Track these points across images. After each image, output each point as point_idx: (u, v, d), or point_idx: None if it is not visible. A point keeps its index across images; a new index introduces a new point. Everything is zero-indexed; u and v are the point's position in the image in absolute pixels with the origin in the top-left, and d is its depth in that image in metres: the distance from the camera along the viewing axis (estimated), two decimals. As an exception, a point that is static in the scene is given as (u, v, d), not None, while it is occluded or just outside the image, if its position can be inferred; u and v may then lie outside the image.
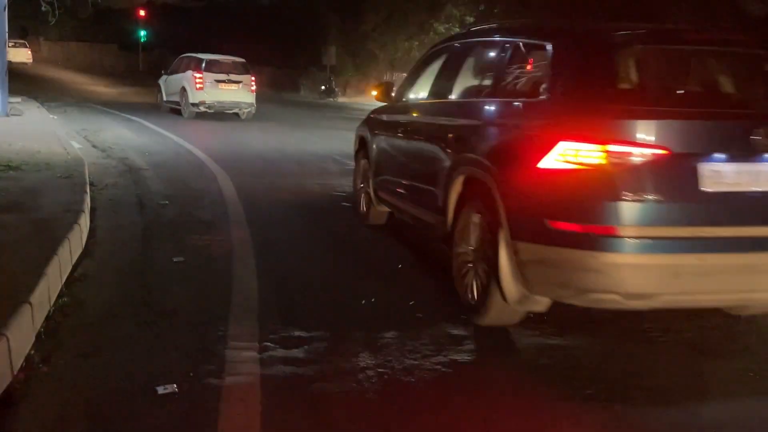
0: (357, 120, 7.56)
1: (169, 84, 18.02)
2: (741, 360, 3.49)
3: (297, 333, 3.46)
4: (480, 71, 4.46)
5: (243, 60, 18.06)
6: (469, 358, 3.31)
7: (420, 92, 5.25)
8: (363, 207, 6.11)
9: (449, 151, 4.15)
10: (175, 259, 4.62)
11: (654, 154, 3.01)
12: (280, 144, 12.43)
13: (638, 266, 3.02)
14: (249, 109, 17.19)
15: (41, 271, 3.56)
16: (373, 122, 5.96)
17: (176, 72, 17.72)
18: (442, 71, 4.90)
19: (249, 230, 5.57)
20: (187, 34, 40.25)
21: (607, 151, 3.02)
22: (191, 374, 2.93)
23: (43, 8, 14.88)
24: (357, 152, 6.37)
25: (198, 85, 16.38)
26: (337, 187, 7.93)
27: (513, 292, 3.36)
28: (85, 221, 5.04)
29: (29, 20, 37.83)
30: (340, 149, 10.83)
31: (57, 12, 15.23)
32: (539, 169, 3.19)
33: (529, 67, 3.80)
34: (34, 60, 38.31)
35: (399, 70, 40.81)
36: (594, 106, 3.16)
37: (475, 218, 3.75)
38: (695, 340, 3.75)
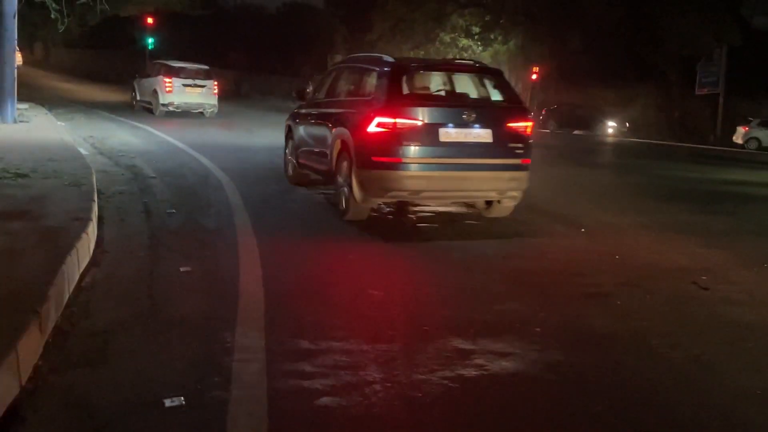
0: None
1: (142, 86, 21.00)
2: (748, 377, 3.48)
3: (304, 345, 3.46)
4: (347, 82, 7.68)
5: (207, 67, 21.45)
6: (475, 373, 3.29)
7: (319, 95, 8.37)
8: (289, 171, 8.92)
9: (332, 127, 7.08)
10: (182, 269, 4.63)
11: (417, 124, 6.12)
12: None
13: (412, 177, 6.17)
14: (212, 110, 20.42)
15: (49, 281, 3.58)
16: (294, 115, 8.90)
17: (149, 76, 20.58)
18: (330, 82, 8.16)
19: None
20: (194, 42, 40.51)
21: (395, 123, 6.07)
22: (198, 386, 2.93)
23: (52, 15, 14.97)
24: (286, 136, 9.18)
25: (167, 88, 19.41)
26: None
27: (359, 197, 6.31)
28: (92, 230, 5.06)
29: (38, 27, 38.06)
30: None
31: (66, 19, 15.32)
32: (368, 132, 6.18)
33: (367, 81, 6.90)
34: (40, 66, 38.60)
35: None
36: (391, 101, 6.19)
37: (344, 162, 6.66)
38: (702, 356, 3.73)
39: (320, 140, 7.47)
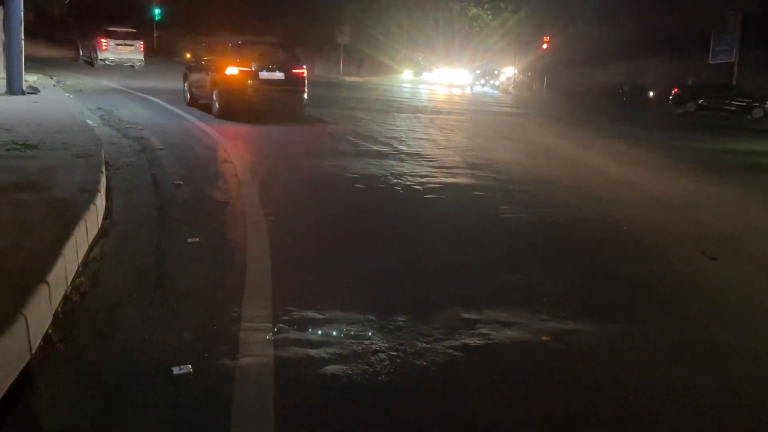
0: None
1: (84, 45, 28.66)
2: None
3: (311, 314, 3.49)
4: (216, 50, 13.64)
5: (135, 30, 28.22)
6: (480, 342, 3.31)
7: (201, 57, 14.43)
8: (187, 97, 14.35)
9: (208, 72, 12.95)
10: (189, 240, 4.65)
11: (249, 70, 12.44)
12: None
13: (248, 94, 12.43)
14: (140, 64, 27.56)
15: (58, 251, 3.61)
16: (187, 68, 14.79)
17: (89, 37, 27.82)
18: (214, 49, 13.81)
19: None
20: (201, 13, 40.14)
21: (239, 69, 12.34)
22: (206, 355, 2.96)
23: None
24: (183, 79, 14.88)
25: (104, 47, 26.77)
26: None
27: (221, 105, 12.37)
28: (101, 201, 5.08)
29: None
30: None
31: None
32: (225, 74, 12.30)
33: (226, 48, 13.16)
34: (50, 39, 38.95)
35: (415, 49, 40.47)
36: (236, 57, 12.54)
37: (215, 89, 12.56)
38: (709, 327, 3.74)
39: (202, 79, 13.46)
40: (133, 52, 27.35)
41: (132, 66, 27.00)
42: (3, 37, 13.97)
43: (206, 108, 13.00)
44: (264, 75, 12.50)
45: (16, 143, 6.99)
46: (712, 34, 26.92)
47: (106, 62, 26.46)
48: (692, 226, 6.44)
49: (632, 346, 3.43)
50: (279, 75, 12.62)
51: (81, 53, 28.35)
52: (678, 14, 28.28)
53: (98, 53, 26.51)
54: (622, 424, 2.69)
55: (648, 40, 29.78)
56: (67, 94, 14.57)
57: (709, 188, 9.01)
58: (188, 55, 16.85)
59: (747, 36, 25.48)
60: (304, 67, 13.31)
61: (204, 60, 13.86)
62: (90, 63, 26.96)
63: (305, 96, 13.05)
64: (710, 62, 27.31)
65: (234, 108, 12.35)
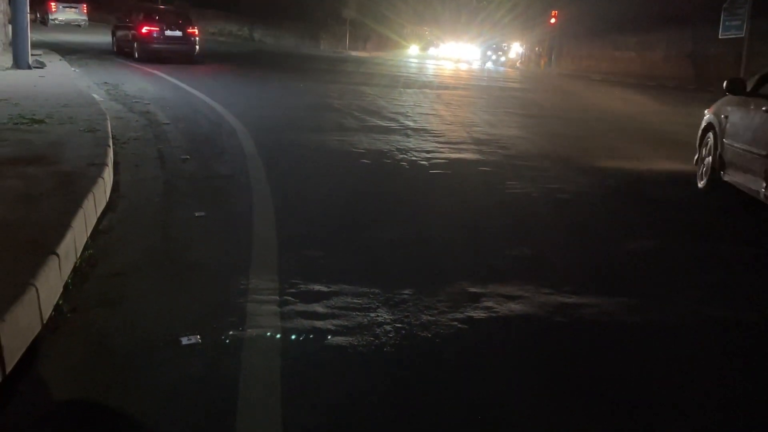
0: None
1: (39, 9, 35.09)
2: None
3: (316, 287, 3.53)
4: (134, 13, 19.83)
5: None
6: (484, 315, 3.35)
7: (127, 18, 20.24)
8: (113, 47, 21.01)
9: (131, 29, 19.31)
10: (196, 214, 4.69)
11: (155, 27, 18.83)
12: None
13: (153, 45, 18.85)
14: (84, 23, 36.59)
15: (67, 223, 3.65)
16: (114, 27, 21.03)
17: (41, 2, 34.32)
18: (129, 13, 20.34)
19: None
20: (206, -14, 39.72)
21: (150, 28, 18.73)
22: (214, 326, 3.01)
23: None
24: (112, 34, 22.03)
25: (53, 9, 36.17)
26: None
27: (139, 51, 18.61)
28: (108, 175, 5.12)
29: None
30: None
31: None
32: (140, 30, 18.71)
33: (140, 10, 20.00)
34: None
35: (422, 23, 40.13)
36: (146, 19, 19.07)
37: (134, 42, 18.80)
38: (718, 312, 3.76)
39: (126, 34, 19.20)
40: (78, 14, 37.12)
41: (78, 25, 36.03)
42: (9, 11, 13.93)
43: (128, 54, 19.19)
44: (168, 33, 18.92)
45: (24, 117, 7.02)
46: (723, 8, 26.53)
47: (56, 21, 35.59)
48: (697, 198, 6.43)
49: (634, 320, 3.46)
50: (178, 33, 19.15)
51: (37, 15, 34.83)
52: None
53: (49, 14, 35.96)
54: (624, 397, 2.72)
55: (657, 14, 29.44)
56: (73, 69, 14.55)
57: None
58: (115, 18, 22.13)
59: (757, 11, 25.12)
60: (196, 28, 20.07)
61: (127, 21, 19.90)
62: (44, 23, 35.14)
63: (197, 47, 19.65)
64: (720, 37, 26.96)
65: (148, 54, 18.33)
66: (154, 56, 18.16)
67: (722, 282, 4.17)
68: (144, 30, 18.64)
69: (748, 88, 6.28)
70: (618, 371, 2.92)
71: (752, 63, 27.17)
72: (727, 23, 26.87)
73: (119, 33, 20.35)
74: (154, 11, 20.20)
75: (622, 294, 3.77)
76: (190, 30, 19.44)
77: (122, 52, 19.71)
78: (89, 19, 38.13)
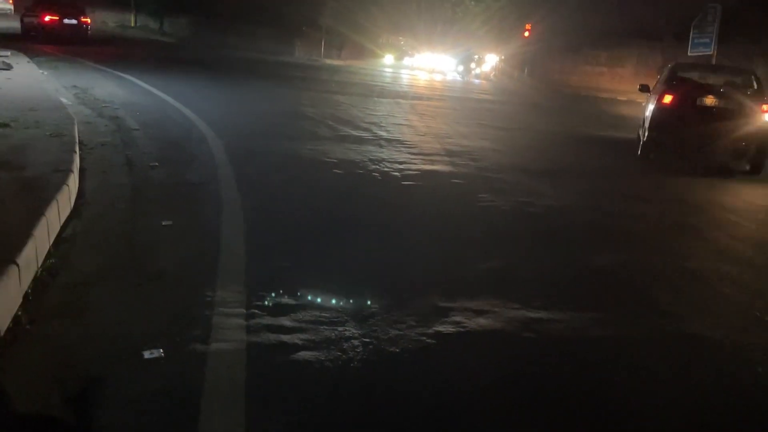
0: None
1: None
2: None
3: (284, 300, 3.49)
4: (36, 4, 24.33)
5: None
6: (453, 330, 3.34)
7: (34, 8, 24.27)
8: (22, 31, 24.02)
9: (36, 18, 23.48)
10: (164, 222, 4.61)
11: (55, 17, 23.09)
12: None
13: (48, 30, 23.05)
14: (9, 11, 38.30)
15: (29, 232, 3.56)
16: (23, 15, 25.28)
17: None
18: (40, 4, 24.03)
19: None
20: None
21: (51, 17, 23.09)
22: (178, 339, 2.95)
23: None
24: (20, 21, 25.24)
25: None
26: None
27: (41, 36, 22.85)
28: (74, 181, 5.02)
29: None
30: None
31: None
32: (41, 19, 23.08)
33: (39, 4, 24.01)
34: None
35: (397, 33, 40.28)
36: (42, 9, 23.35)
37: (40, 26, 23.27)
38: (682, 327, 3.80)
39: (32, 21, 23.20)
40: (3, 3, 43.24)
41: (6, 14, 38.86)
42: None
43: (34, 38, 22.07)
44: (66, 21, 23.24)
45: (-12, 120, 6.86)
46: (692, 26, 27.07)
47: None
48: (669, 216, 6.53)
49: (602, 335, 3.48)
50: (74, 21, 23.59)
51: None
52: (658, 4, 28.43)
53: None
54: (589, 412, 2.73)
55: (628, 30, 29.95)
56: (41, 71, 14.29)
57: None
58: (24, 8, 26.08)
59: (725, 29, 25.68)
60: (88, 17, 24.91)
61: (33, 10, 23.84)
62: None
63: (89, 32, 24.37)
64: (689, 54, 27.50)
65: (49, 36, 22.08)
66: (54, 38, 22.43)
67: (687, 294, 4.22)
68: (47, 18, 23.47)
69: (651, 89, 10.91)
70: (583, 386, 2.93)
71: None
72: (696, 41, 27.40)
73: (26, 20, 24.92)
74: (54, 4, 24.56)
75: (589, 309, 3.80)
76: (84, 18, 24.69)
77: (29, 35, 23.83)
78: (13, 9, 41.80)
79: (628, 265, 4.78)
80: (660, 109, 9.77)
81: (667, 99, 9.81)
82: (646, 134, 10.05)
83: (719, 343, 3.54)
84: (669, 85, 10.20)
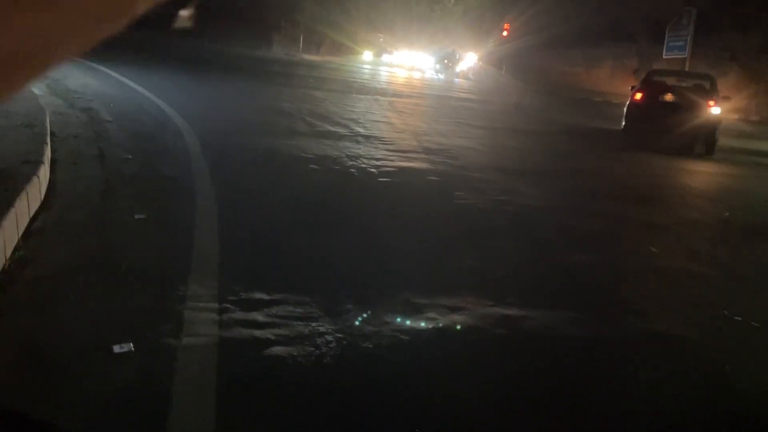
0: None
1: None
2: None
3: (258, 295, 3.46)
4: None
5: None
6: (426, 326, 3.34)
7: None
8: None
9: None
10: (136, 216, 4.55)
11: None
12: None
13: None
14: None
15: (-4, 224, 3.49)
16: None
17: None
18: None
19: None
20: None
21: None
22: (148, 333, 2.91)
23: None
24: None
25: None
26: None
27: None
28: (44, 173, 4.93)
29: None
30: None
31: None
32: None
33: None
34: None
35: (375, 30, 40.25)
36: None
37: None
38: (653, 325, 3.85)
39: None
40: None
41: None
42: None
43: None
44: None
45: (-44, 110, 6.72)
46: (667, 29, 27.41)
47: None
48: (644, 216, 6.60)
49: (574, 333, 3.50)
50: None
51: None
52: (635, 6, 28.75)
53: None
54: (560, 409, 2.75)
55: (604, 32, 30.25)
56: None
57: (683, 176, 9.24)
58: None
59: (699, 33, 26.04)
60: None
61: None
62: None
63: None
64: (664, 56, 27.85)
65: None
66: None
67: (662, 296, 4.27)
68: None
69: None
70: (552, 384, 2.95)
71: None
72: (670, 44, 27.74)
73: None
74: None
75: (563, 307, 3.82)
76: None
77: None
78: None
79: (601, 264, 4.82)
80: (632, 104, 12.70)
81: (638, 96, 12.62)
82: (623, 123, 12.90)
83: (695, 342, 3.59)
84: (641, 86, 12.97)
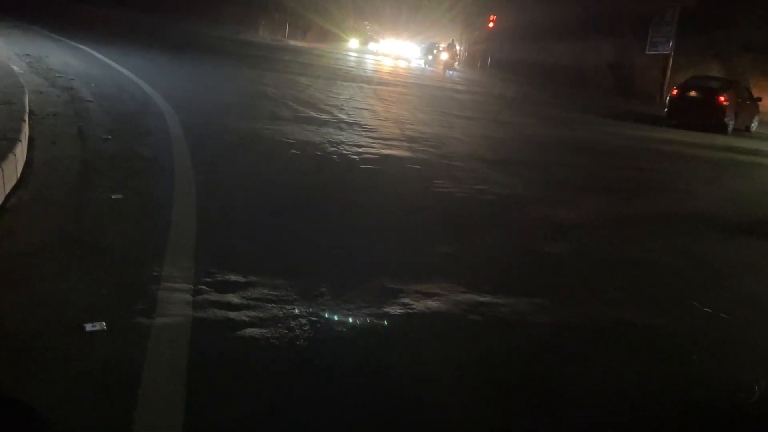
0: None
1: None
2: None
3: (233, 277, 3.46)
4: None
5: None
6: (401, 311, 3.37)
7: None
8: None
9: None
10: (113, 196, 4.53)
11: None
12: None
13: None
14: None
15: (-31, 200, 3.45)
16: None
17: None
18: None
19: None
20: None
21: None
22: (121, 313, 2.91)
23: None
24: None
25: None
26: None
27: None
28: (21, 151, 4.88)
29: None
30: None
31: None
32: None
33: None
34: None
35: (362, 18, 40.06)
36: None
37: None
38: (622, 314, 3.90)
39: None
40: None
41: None
42: None
43: None
44: None
45: (-68, 85, 6.62)
46: (651, 25, 27.55)
47: None
48: (622, 209, 6.67)
49: (545, 320, 3.55)
50: None
51: None
52: (618, 1, 28.88)
53: None
54: (529, 394, 2.79)
55: (589, 27, 30.36)
56: (-8, 38, 13.81)
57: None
58: None
59: (683, 29, 26.21)
60: None
61: None
62: None
63: None
64: (647, 52, 28.02)
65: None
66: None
67: (634, 285, 4.33)
68: None
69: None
70: (524, 368, 2.99)
71: (676, 77, 28.43)
72: (654, 40, 27.89)
73: None
74: None
75: (535, 295, 3.87)
76: None
77: None
78: None
79: (575, 254, 4.87)
80: (670, 97, 19.31)
81: (674, 92, 19.25)
82: (666, 110, 19.22)
83: (665, 330, 3.65)
84: (677, 86, 19.41)
